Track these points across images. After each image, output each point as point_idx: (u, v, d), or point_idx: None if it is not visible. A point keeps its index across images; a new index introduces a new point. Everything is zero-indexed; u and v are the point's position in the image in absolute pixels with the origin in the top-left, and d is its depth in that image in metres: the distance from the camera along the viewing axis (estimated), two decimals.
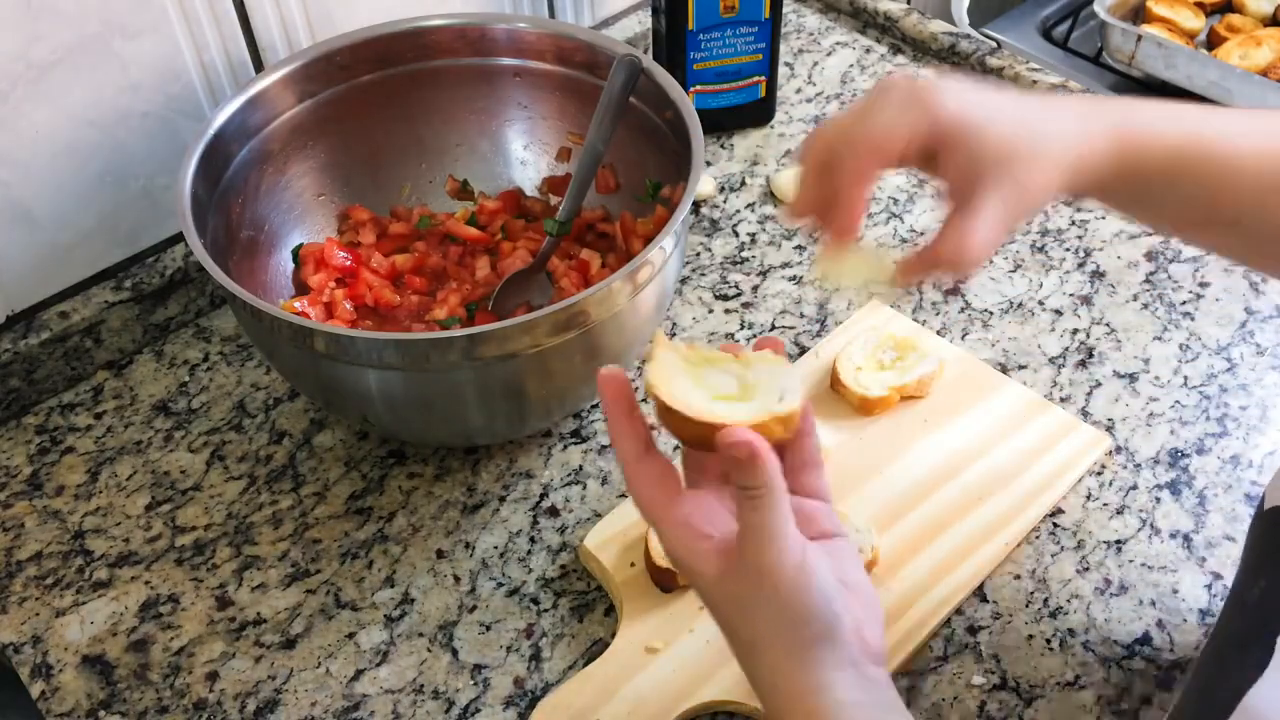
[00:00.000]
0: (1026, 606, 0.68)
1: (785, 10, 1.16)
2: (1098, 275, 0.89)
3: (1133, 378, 0.81)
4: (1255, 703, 0.42)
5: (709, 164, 1.01)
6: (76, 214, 0.82)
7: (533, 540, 0.73)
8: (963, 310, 0.87)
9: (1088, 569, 0.70)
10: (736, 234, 0.94)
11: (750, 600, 0.47)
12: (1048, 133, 0.51)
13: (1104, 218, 0.94)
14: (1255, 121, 0.54)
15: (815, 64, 1.12)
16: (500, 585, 0.70)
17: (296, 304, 0.76)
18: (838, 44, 1.14)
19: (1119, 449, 0.77)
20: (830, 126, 0.52)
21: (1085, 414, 0.79)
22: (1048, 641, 0.66)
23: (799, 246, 0.92)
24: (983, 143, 0.50)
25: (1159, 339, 0.84)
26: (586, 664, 0.66)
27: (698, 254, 0.93)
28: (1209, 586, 0.69)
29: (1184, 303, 0.87)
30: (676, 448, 0.62)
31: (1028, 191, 0.50)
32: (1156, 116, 0.53)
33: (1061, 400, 0.80)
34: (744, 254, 0.93)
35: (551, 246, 0.80)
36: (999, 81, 0.99)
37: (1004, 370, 0.82)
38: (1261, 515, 0.49)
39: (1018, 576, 0.70)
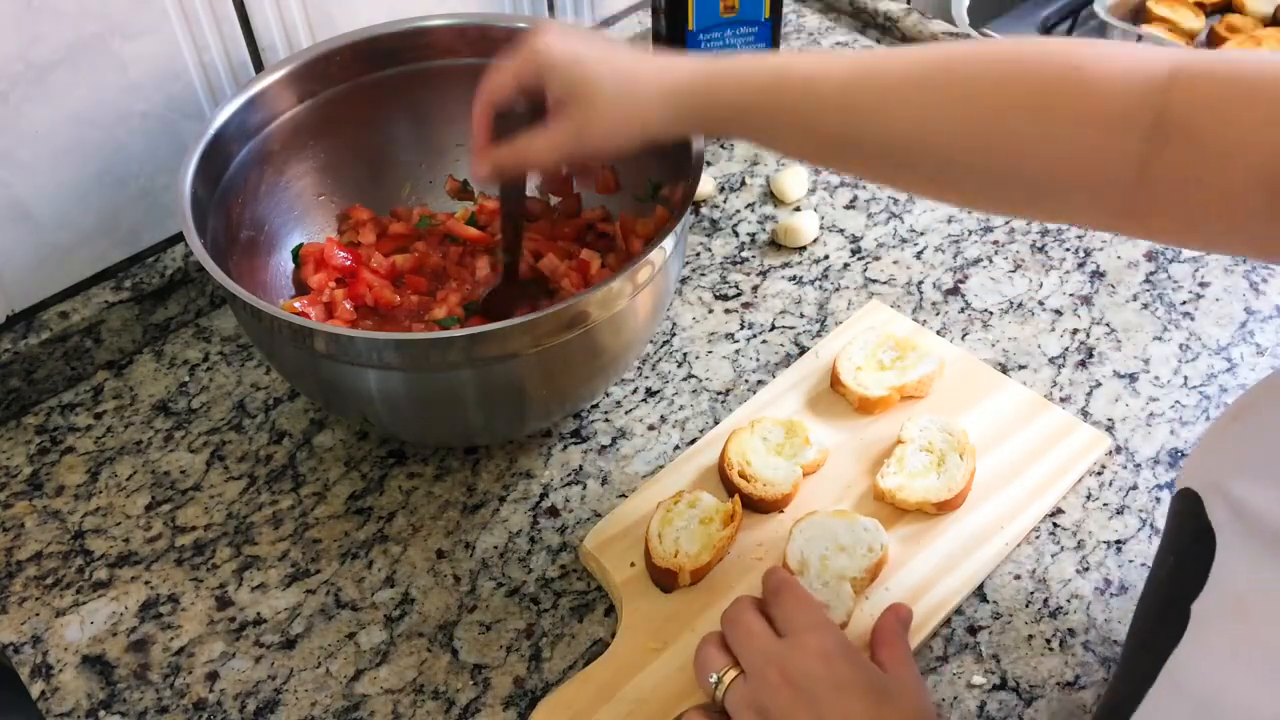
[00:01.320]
0: (1026, 606, 0.68)
1: (785, 10, 1.16)
2: (1098, 275, 0.89)
3: (1133, 378, 0.81)
4: (1175, 669, 0.43)
5: (709, 164, 1.01)
6: (76, 214, 0.82)
7: (533, 540, 0.73)
8: (963, 310, 0.87)
9: (1088, 569, 0.70)
10: (736, 234, 0.94)
11: None
12: (632, 76, 0.62)
13: None
14: (836, 56, 0.59)
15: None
16: (500, 585, 0.70)
17: (296, 304, 0.76)
18: (838, 44, 1.14)
19: (1119, 449, 0.77)
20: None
21: (1085, 414, 0.79)
22: (1048, 641, 0.66)
23: (800, 247, 0.92)
24: (569, 77, 0.62)
25: (1159, 339, 0.84)
26: (586, 664, 0.66)
27: (698, 254, 0.93)
28: None
29: (1184, 303, 0.87)
30: None
31: (589, 126, 0.62)
32: (743, 60, 0.60)
33: (1061, 400, 0.80)
34: (744, 254, 0.93)
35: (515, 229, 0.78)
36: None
37: (1004, 370, 0.82)
38: (1173, 498, 0.51)
39: (1018, 576, 0.70)
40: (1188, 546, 0.47)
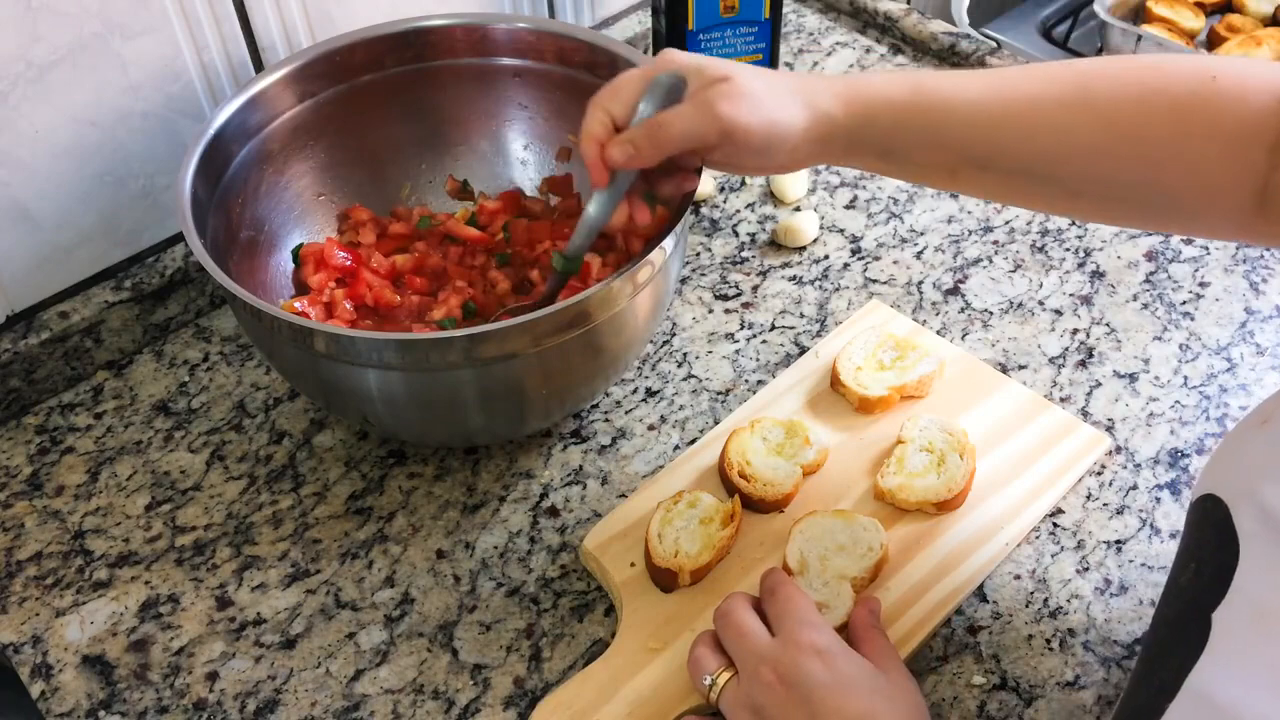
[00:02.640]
0: (1026, 606, 0.68)
1: (785, 10, 1.16)
2: (1098, 275, 0.89)
3: (1133, 378, 0.81)
4: (1197, 681, 0.43)
5: None
6: (76, 214, 0.82)
7: (533, 540, 0.73)
8: (963, 310, 0.87)
9: (1088, 569, 0.70)
10: (736, 234, 0.94)
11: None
12: (768, 72, 0.62)
13: None
14: (969, 75, 0.61)
15: (815, 64, 1.12)
16: (500, 585, 0.70)
17: (296, 304, 0.76)
18: (838, 44, 1.14)
19: (1119, 449, 0.77)
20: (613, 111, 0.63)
21: (1085, 414, 0.79)
22: (1048, 641, 0.66)
23: (800, 247, 0.92)
24: (706, 65, 0.62)
25: (1159, 339, 0.84)
26: (586, 664, 0.66)
27: (698, 254, 0.93)
28: None
29: (1184, 303, 0.87)
30: None
31: (727, 100, 0.60)
32: (878, 79, 0.61)
33: (1061, 400, 0.80)
34: (744, 254, 0.93)
35: (559, 283, 0.71)
36: None
37: (1004, 370, 0.82)
38: (1192, 505, 0.50)
39: (1018, 576, 0.70)
40: (1210, 554, 0.46)
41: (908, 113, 0.60)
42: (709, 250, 0.93)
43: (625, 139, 0.62)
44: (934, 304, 0.88)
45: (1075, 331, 0.85)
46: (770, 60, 1.00)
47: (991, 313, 0.87)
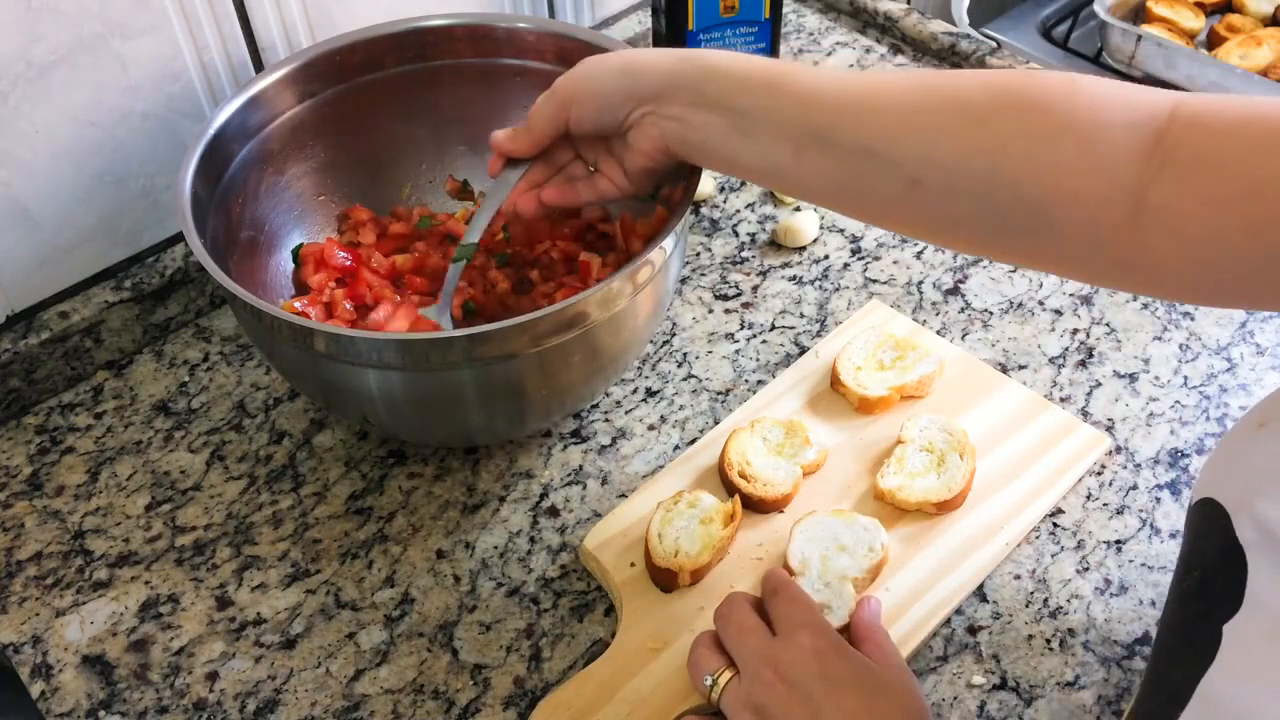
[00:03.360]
0: (1026, 606, 0.68)
1: (785, 10, 1.16)
2: None
3: (1133, 378, 0.81)
4: (1208, 691, 0.43)
5: None
6: (76, 214, 0.82)
7: (533, 540, 0.73)
8: (963, 310, 0.87)
9: (1088, 569, 0.70)
10: (736, 234, 0.94)
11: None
12: (609, 72, 0.65)
13: None
14: (834, 70, 0.61)
15: (815, 64, 1.12)
16: (500, 585, 0.70)
17: (296, 304, 0.76)
18: (838, 44, 1.14)
19: (1119, 449, 0.77)
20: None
21: (1085, 414, 0.79)
22: (1048, 641, 0.66)
23: (800, 247, 0.92)
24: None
25: (1159, 339, 0.84)
26: (586, 664, 0.66)
27: (698, 254, 0.93)
28: None
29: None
30: None
31: (573, 72, 0.66)
32: (732, 56, 0.62)
33: (1061, 400, 0.80)
34: (744, 254, 0.93)
35: (456, 272, 0.73)
36: None
37: (1004, 370, 0.82)
38: (1192, 508, 0.49)
39: (1018, 576, 0.70)
40: (1214, 563, 0.46)
41: (754, 75, 0.60)
42: (709, 250, 0.93)
43: (505, 133, 0.70)
44: (934, 304, 0.88)
45: (1075, 331, 0.85)
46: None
47: (991, 313, 0.87)
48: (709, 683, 0.59)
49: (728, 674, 0.58)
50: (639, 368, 0.83)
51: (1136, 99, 0.51)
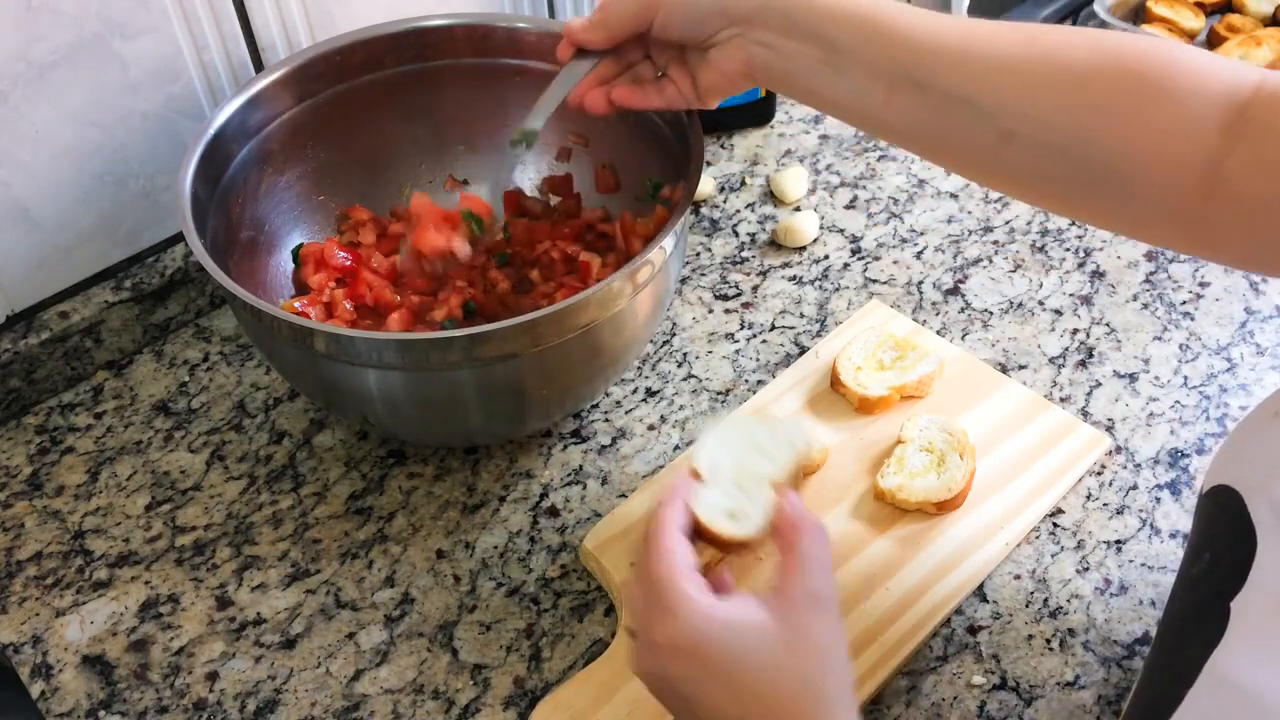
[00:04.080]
0: (1026, 606, 0.68)
1: None
2: (1098, 275, 0.89)
3: (1133, 378, 0.81)
4: (1217, 666, 0.43)
5: (709, 164, 1.01)
6: (76, 214, 0.82)
7: (533, 540, 0.73)
8: (963, 310, 0.87)
9: (1088, 569, 0.70)
10: (736, 234, 0.94)
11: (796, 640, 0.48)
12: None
13: None
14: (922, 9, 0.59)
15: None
16: (500, 585, 0.70)
17: (296, 304, 0.76)
18: None
19: (1119, 449, 0.77)
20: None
21: (1085, 414, 0.79)
22: (1048, 641, 0.66)
23: (800, 247, 0.92)
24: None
25: (1159, 339, 0.84)
26: (586, 664, 0.66)
27: (698, 254, 0.93)
28: None
29: (1184, 303, 0.87)
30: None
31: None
32: None
33: (1061, 400, 0.80)
34: (744, 254, 0.93)
35: (514, 159, 0.73)
36: None
37: (1004, 370, 0.82)
38: (1202, 497, 0.50)
39: (1018, 576, 0.70)
40: (1226, 544, 0.46)
41: (850, 9, 0.58)
42: (709, 250, 0.93)
43: (581, 21, 0.66)
44: (934, 304, 0.88)
45: (1075, 331, 0.85)
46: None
47: (991, 313, 0.87)
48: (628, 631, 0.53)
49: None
50: (639, 368, 0.83)
51: (1227, 70, 0.52)
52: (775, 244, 0.93)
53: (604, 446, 0.78)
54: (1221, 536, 0.47)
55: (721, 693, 0.47)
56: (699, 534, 0.54)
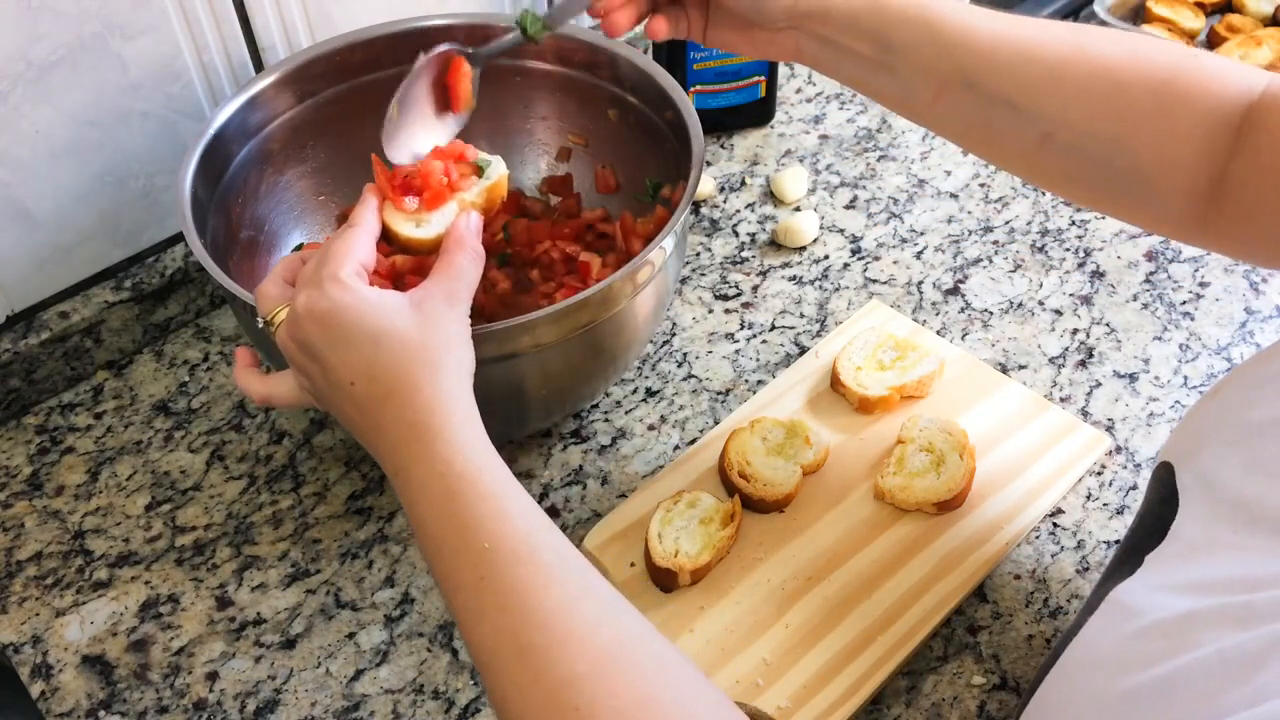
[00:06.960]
0: (1026, 606, 0.68)
1: None
2: (1098, 275, 0.89)
3: (1133, 378, 0.81)
4: (1116, 595, 0.46)
5: (709, 164, 1.01)
6: (76, 214, 0.82)
7: None
8: (963, 310, 0.87)
9: (1088, 569, 0.70)
10: (736, 234, 0.94)
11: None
12: None
13: (1104, 218, 0.94)
14: (975, 7, 0.61)
15: None
16: None
17: None
18: None
19: (1119, 449, 0.77)
20: None
21: (1085, 414, 0.79)
22: (1048, 641, 0.66)
23: (800, 247, 0.92)
24: None
25: (1159, 339, 0.84)
26: None
27: (698, 254, 0.93)
28: None
29: (1184, 303, 0.87)
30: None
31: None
32: None
33: (1061, 400, 0.80)
34: (744, 254, 0.93)
35: (512, 43, 0.69)
36: None
37: (1004, 370, 0.82)
38: (1153, 473, 0.53)
39: (1018, 576, 0.70)
40: (1152, 508, 0.50)
41: (918, 10, 0.59)
42: (709, 250, 0.93)
43: None
44: (934, 304, 0.88)
45: (1075, 331, 0.85)
46: (770, 61, 1.00)
47: (991, 313, 0.87)
48: (262, 324, 0.59)
49: (284, 312, 0.58)
50: (639, 368, 0.83)
51: (1243, 77, 0.55)
52: (775, 244, 0.93)
53: (604, 446, 0.78)
54: (1153, 503, 0.51)
55: (353, 355, 0.53)
56: (388, 238, 0.63)
